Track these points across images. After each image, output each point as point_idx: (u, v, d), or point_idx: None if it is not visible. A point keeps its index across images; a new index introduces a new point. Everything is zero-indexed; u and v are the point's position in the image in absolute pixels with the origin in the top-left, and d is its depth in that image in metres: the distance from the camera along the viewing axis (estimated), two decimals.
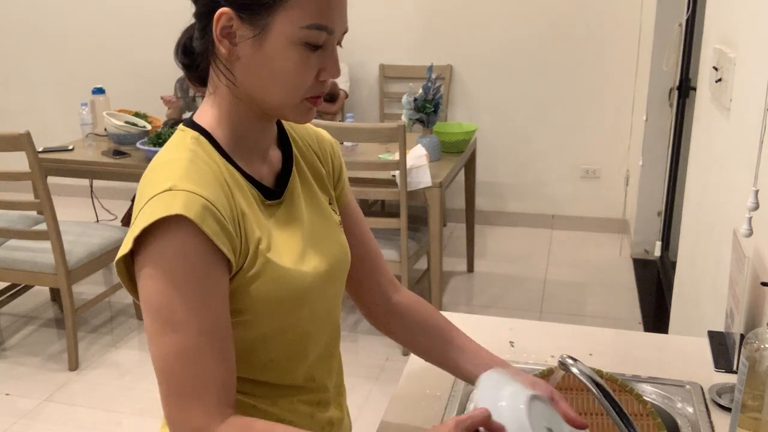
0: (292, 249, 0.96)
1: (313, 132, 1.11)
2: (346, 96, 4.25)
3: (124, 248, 0.85)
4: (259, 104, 0.93)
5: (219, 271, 0.86)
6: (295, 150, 1.04)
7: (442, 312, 1.20)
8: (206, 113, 0.96)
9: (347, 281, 1.11)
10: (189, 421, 0.85)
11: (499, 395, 0.88)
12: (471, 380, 1.09)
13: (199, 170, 0.88)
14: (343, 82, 4.21)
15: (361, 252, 1.13)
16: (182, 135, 0.94)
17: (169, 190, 0.85)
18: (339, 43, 0.94)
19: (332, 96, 4.09)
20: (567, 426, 0.95)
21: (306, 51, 0.88)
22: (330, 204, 1.08)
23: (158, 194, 0.85)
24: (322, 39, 0.89)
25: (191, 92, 3.86)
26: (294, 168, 1.02)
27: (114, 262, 0.88)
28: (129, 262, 0.88)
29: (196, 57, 0.95)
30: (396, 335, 1.16)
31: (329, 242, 1.03)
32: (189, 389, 0.85)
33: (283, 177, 1.01)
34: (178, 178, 0.86)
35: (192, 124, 0.95)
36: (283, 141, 1.04)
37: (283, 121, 1.05)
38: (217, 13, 0.87)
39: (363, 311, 1.17)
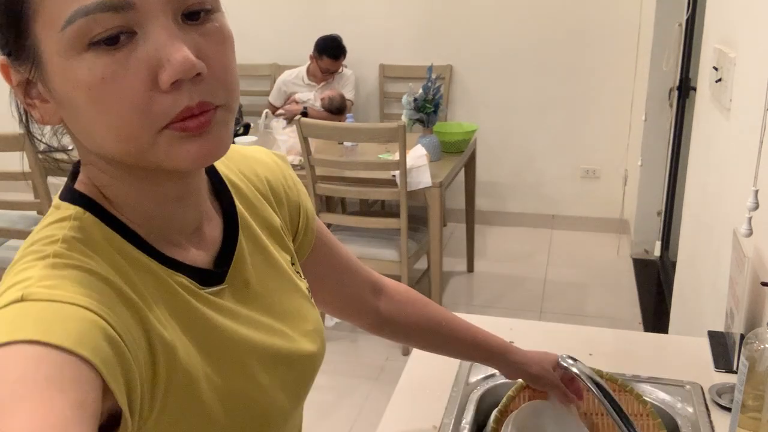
0: (242, 350, 0.70)
1: (249, 164, 0.81)
2: (351, 104, 4.09)
3: None
4: (115, 159, 0.61)
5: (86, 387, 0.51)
6: (238, 204, 0.76)
7: None
8: (85, 181, 0.65)
9: (333, 307, 1.00)
10: None
11: None
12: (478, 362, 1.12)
13: (66, 276, 0.57)
14: (348, 91, 4.06)
15: (339, 277, 0.97)
16: (57, 214, 0.63)
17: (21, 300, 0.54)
18: (195, 17, 0.57)
19: (340, 109, 3.88)
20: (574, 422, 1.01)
21: (104, 53, 0.54)
22: (293, 265, 0.84)
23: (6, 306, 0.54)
24: (116, 23, 0.54)
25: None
26: (240, 234, 0.75)
27: None
28: None
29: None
30: (393, 338, 1.10)
31: (298, 323, 0.80)
32: None
33: (226, 250, 0.73)
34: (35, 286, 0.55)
35: (74, 197, 0.64)
36: (222, 192, 0.75)
37: (216, 165, 0.76)
38: None
39: (356, 325, 1.06)
